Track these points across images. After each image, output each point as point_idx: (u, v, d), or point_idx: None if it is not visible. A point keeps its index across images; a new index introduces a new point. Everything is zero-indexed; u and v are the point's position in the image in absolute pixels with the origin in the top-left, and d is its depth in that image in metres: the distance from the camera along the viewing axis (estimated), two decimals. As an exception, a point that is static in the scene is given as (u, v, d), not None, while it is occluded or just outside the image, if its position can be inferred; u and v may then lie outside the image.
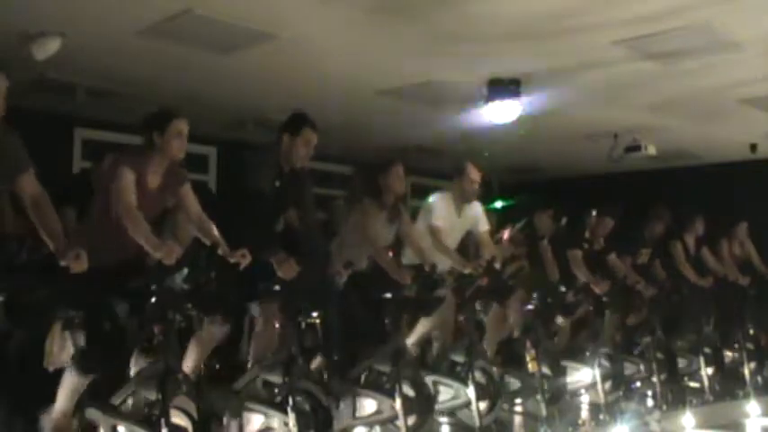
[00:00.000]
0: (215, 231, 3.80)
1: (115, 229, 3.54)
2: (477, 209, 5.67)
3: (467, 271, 5.09)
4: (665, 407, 6.07)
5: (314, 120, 4.41)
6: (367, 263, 5.00)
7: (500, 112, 6.41)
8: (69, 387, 3.51)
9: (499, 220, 7.21)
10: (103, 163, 4.30)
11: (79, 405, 3.55)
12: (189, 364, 3.94)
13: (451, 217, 5.52)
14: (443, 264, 5.15)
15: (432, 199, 5.57)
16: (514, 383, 5.45)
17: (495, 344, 5.74)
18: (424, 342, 5.48)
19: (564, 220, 6.57)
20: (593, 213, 6.77)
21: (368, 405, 4.60)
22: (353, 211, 5.15)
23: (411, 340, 5.24)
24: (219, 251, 3.65)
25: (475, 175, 5.55)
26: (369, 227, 4.96)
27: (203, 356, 4.04)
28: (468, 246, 5.97)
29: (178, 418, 3.43)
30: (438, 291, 4.94)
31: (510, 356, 5.66)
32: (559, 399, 5.59)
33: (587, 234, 6.68)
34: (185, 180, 3.90)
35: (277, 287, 4.04)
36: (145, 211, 3.62)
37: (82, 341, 3.56)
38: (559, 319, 6.06)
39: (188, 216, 3.91)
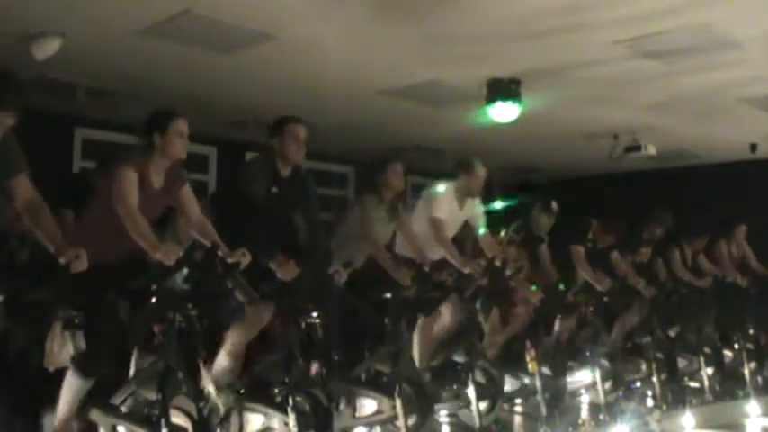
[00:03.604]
0: (214, 233, 3.80)
1: (116, 229, 3.54)
2: (478, 207, 5.67)
3: (467, 271, 5.08)
4: (665, 407, 6.05)
5: (300, 116, 4.45)
6: (364, 260, 4.97)
7: (500, 112, 6.41)
8: (71, 390, 3.50)
9: (499, 220, 7.18)
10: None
11: (81, 405, 3.54)
12: (228, 347, 4.00)
13: (453, 209, 5.52)
14: (441, 255, 5.15)
15: (434, 190, 5.55)
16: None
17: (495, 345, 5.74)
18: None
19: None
20: (596, 221, 6.73)
21: (368, 405, 4.60)
22: (354, 207, 5.15)
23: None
24: (219, 252, 3.65)
25: (481, 172, 5.56)
26: (368, 223, 4.95)
27: (247, 339, 4.08)
28: (464, 241, 5.96)
29: (178, 418, 3.43)
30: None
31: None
32: (559, 399, 5.59)
33: (590, 234, 6.67)
34: (185, 181, 3.90)
35: (276, 287, 4.05)
36: (147, 211, 3.62)
37: (82, 342, 3.55)
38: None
39: (188, 218, 3.92)
